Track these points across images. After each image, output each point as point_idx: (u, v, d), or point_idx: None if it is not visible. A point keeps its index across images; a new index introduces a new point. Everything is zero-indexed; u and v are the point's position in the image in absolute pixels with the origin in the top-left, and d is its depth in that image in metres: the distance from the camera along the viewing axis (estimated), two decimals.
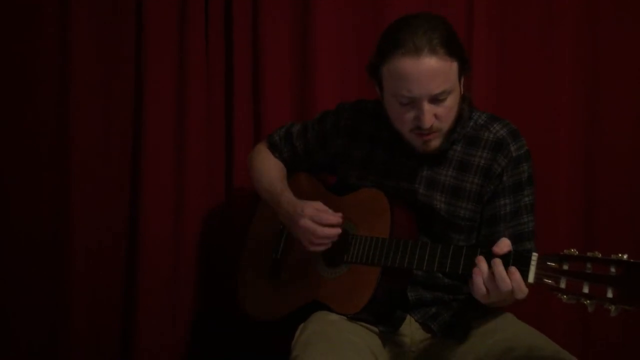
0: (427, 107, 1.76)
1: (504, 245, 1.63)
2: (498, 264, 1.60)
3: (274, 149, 2.18)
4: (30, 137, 2.32)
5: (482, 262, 1.63)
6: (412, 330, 1.92)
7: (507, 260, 1.61)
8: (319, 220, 1.88)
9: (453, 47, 1.77)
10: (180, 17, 2.34)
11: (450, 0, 2.35)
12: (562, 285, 1.53)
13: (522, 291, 1.59)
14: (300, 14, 2.37)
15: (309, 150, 2.12)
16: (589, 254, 1.52)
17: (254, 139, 2.38)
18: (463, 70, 1.81)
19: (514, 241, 1.72)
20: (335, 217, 1.89)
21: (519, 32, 2.40)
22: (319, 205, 1.92)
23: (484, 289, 1.62)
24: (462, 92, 1.84)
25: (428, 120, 1.77)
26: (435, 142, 1.84)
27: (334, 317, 1.88)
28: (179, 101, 2.36)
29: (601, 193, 2.44)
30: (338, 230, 1.89)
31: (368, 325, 1.90)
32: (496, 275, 1.60)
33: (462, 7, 2.35)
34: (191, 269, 2.41)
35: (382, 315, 1.90)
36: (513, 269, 1.59)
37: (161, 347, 2.38)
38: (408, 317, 1.92)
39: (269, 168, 2.14)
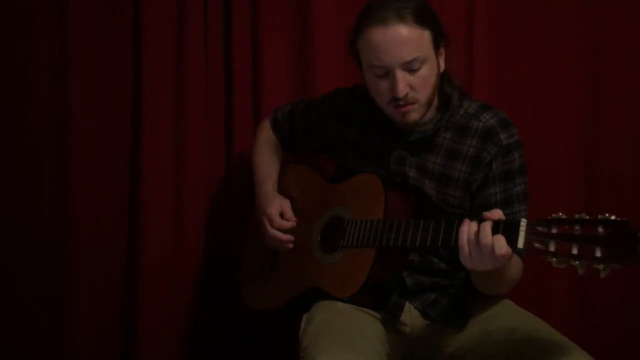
0: (400, 75, 1.79)
1: (496, 212, 1.64)
2: (486, 224, 1.61)
3: (275, 126, 2.24)
4: (29, 136, 2.35)
5: (471, 222, 1.64)
6: (412, 318, 1.93)
7: (497, 227, 1.61)
8: (271, 221, 2.03)
9: (424, 17, 1.80)
10: (179, 8, 2.37)
11: (450, 0, 2.39)
12: (552, 248, 1.53)
13: (501, 245, 1.59)
14: (300, 5, 2.39)
15: (307, 131, 2.16)
16: (576, 215, 1.52)
17: (253, 132, 2.38)
18: (439, 42, 1.84)
19: None
20: (285, 223, 2.02)
21: (519, 31, 2.42)
22: (284, 206, 2.04)
23: (467, 248, 1.63)
24: (441, 67, 1.87)
25: (402, 90, 1.80)
26: (414, 115, 1.86)
27: (338, 306, 1.89)
28: (178, 94, 2.38)
29: (602, 184, 2.44)
30: (287, 237, 2.03)
31: (371, 312, 1.90)
32: (480, 232, 1.61)
33: (463, 4, 2.38)
34: (192, 264, 2.42)
35: (379, 299, 1.90)
36: (498, 235, 1.60)
37: (162, 345, 2.39)
38: (407, 304, 1.93)
39: (263, 150, 2.21)
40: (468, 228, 1.63)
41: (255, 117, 2.42)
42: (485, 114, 1.91)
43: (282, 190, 2.16)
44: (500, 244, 1.59)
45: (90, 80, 2.35)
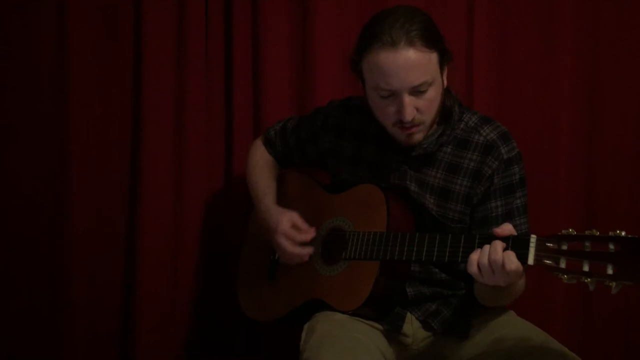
0: (408, 99, 1.77)
1: (505, 227, 1.64)
2: (498, 242, 1.61)
3: (268, 144, 2.20)
4: (30, 137, 2.33)
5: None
6: (413, 329, 1.92)
7: (507, 243, 1.61)
8: (292, 238, 1.97)
9: (431, 38, 1.78)
10: (180, 10, 2.35)
11: (451, 0, 2.38)
12: (562, 265, 1.53)
13: (512, 261, 1.59)
14: (300, 7, 2.38)
15: (301, 146, 2.13)
16: (587, 232, 1.52)
17: (253, 136, 2.38)
18: (444, 61, 1.82)
19: None
20: (307, 235, 1.97)
21: (519, 31, 2.41)
22: (294, 218, 1.99)
23: (475, 264, 1.63)
24: (444, 84, 1.85)
25: (409, 113, 1.78)
26: (419, 136, 1.85)
27: (339, 316, 1.87)
28: (178, 97, 2.37)
29: (602, 190, 2.44)
30: (308, 250, 1.97)
31: (373, 324, 1.89)
32: (491, 248, 1.61)
33: (463, 7, 2.37)
34: (192, 265, 2.42)
35: (382, 311, 1.89)
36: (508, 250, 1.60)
37: (162, 345, 2.38)
38: (409, 315, 1.92)
39: (258, 167, 2.18)
40: (477, 255, 1.64)
41: (256, 118, 2.41)
42: (485, 128, 1.89)
43: (279, 199, 2.13)
44: (511, 259, 1.59)
45: (90, 80, 2.33)
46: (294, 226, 1.98)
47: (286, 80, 2.41)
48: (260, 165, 2.18)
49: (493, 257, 1.60)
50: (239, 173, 2.37)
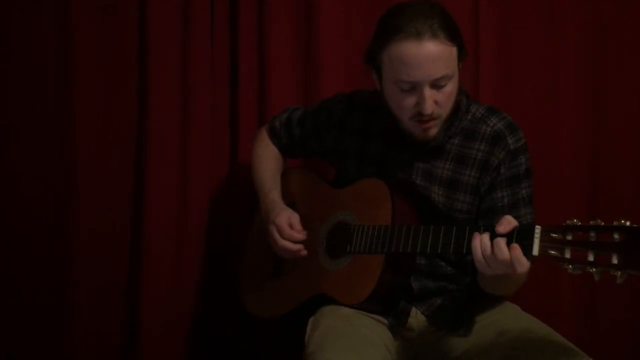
0: (429, 92, 1.77)
1: (506, 222, 1.63)
2: (500, 240, 1.61)
3: (273, 135, 2.21)
4: (33, 137, 2.34)
5: (482, 234, 1.64)
6: (418, 324, 1.92)
7: (511, 235, 1.61)
8: (281, 232, 1.98)
9: (452, 32, 1.78)
10: (185, 12, 2.36)
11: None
12: (567, 255, 1.53)
13: (522, 264, 1.59)
14: (305, 8, 2.40)
15: (305, 139, 2.14)
16: (591, 222, 1.52)
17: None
18: (461, 56, 1.83)
19: None
20: (295, 234, 1.98)
21: (523, 28, 2.43)
22: (292, 218, 2.00)
23: (483, 261, 1.63)
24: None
25: (429, 106, 1.78)
26: (435, 130, 1.85)
27: (344, 310, 1.88)
28: (183, 99, 2.38)
29: (606, 182, 2.45)
30: (298, 247, 1.98)
31: (378, 317, 1.89)
32: (495, 248, 1.60)
33: (468, 5, 2.39)
34: (194, 265, 2.42)
35: (386, 305, 1.89)
36: (514, 245, 1.59)
37: (163, 345, 2.38)
38: (414, 310, 1.92)
39: (264, 160, 2.18)
40: (480, 242, 1.63)
41: (261, 120, 2.42)
42: (492, 118, 1.90)
43: (284, 194, 2.14)
44: (520, 261, 1.59)
45: (94, 81, 2.34)
46: (290, 224, 2.00)
47: (291, 81, 2.42)
48: (265, 157, 2.19)
49: (499, 258, 1.60)
50: (244, 175, 2.36)
